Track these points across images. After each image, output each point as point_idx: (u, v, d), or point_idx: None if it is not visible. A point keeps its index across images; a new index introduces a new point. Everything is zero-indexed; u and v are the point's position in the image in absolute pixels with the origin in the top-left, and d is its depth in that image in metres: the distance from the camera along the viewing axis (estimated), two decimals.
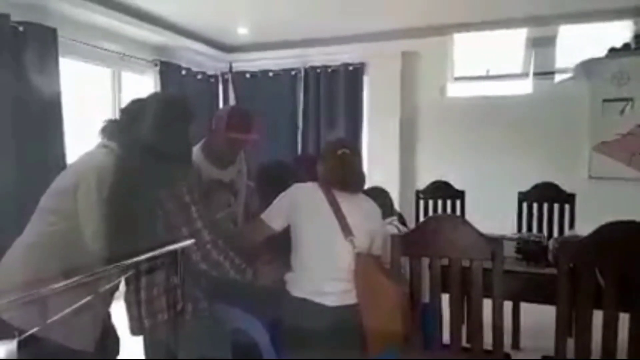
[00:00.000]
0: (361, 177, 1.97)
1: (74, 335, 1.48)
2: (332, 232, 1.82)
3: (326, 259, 1.83)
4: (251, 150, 2.33)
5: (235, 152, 2.21)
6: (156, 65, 4.46)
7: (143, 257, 1.35)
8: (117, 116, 1.74)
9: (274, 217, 1.92)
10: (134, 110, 1.69)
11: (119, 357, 1.78)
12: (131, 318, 1.76)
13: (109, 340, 1.70)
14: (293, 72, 5.12)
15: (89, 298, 1.25)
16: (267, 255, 1.99)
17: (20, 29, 3.16)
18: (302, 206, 1.89)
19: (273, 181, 2.15)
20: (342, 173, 1.90)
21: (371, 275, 1.78)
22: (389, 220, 2.24)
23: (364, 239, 1.86)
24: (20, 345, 1.00)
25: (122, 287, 1.68)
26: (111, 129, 1.67)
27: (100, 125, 1.69)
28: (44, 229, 1.54)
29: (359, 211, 1.89)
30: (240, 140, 2.11)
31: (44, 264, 1.46)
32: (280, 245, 1.93)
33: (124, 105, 1.77)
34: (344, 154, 1.92)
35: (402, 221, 2.41)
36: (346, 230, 1.81)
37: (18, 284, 1.39)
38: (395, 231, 2.04)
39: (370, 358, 1.80)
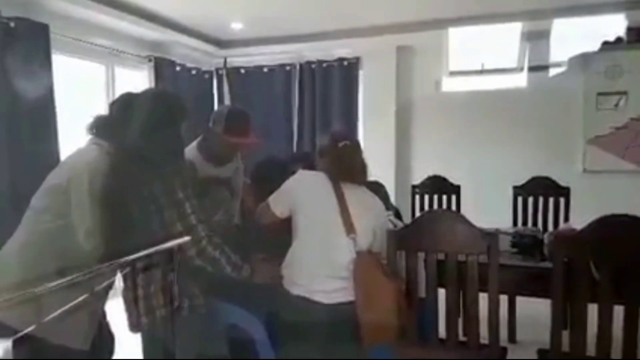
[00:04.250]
0: (365, 167, 1.95)
1: (69, 334, 1.47)
2: (334, 228, 1.80)
3: (325, 256, 1.81)
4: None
5: (233, 154, 2.20)
6: (150, 61, 4.43)
7: (138, 254, 1.34)
8: (107, 111, 1.72)
9: (278, 201, 1.91)
10: (125, 106, 1.67)
11: (114, 355, 1.78)
12: (129, 315, 1.75)
13: (103, 338, 1.70)
14: (288, 68, 5.09)
15: (84, 297, 1.24)
16: (263, 252, 1.99)
17: (11, 24, 3.12)
18: (307, 192, 1.87)
19: (268, 178, 2.14)
20: (347, 163, 1.88)
21: (370, 274, 1.77)
22: (385, 214, 2.23)
23: (366, 237, 1.84)
24: (15, 345, 0.99)
25: (117, 284, 1.67)
26: (101, 125, 1.65)
27: (89, 121, 1.66)
28: (37, 228, 1.52)
29: (363, 207, 1.87)
30: (238, 143, 2.10)
31: (38, 263, 1.44)
32: (277, 242, 1.93)
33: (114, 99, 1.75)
34: (346, 146, 1.90)
35: (399, 216, 2.41)
36: (349, 227, 1.79)
37: (12, 283, 1.38)
38: (391, 226, 2.04)
39: (365, 351, 1.80)
